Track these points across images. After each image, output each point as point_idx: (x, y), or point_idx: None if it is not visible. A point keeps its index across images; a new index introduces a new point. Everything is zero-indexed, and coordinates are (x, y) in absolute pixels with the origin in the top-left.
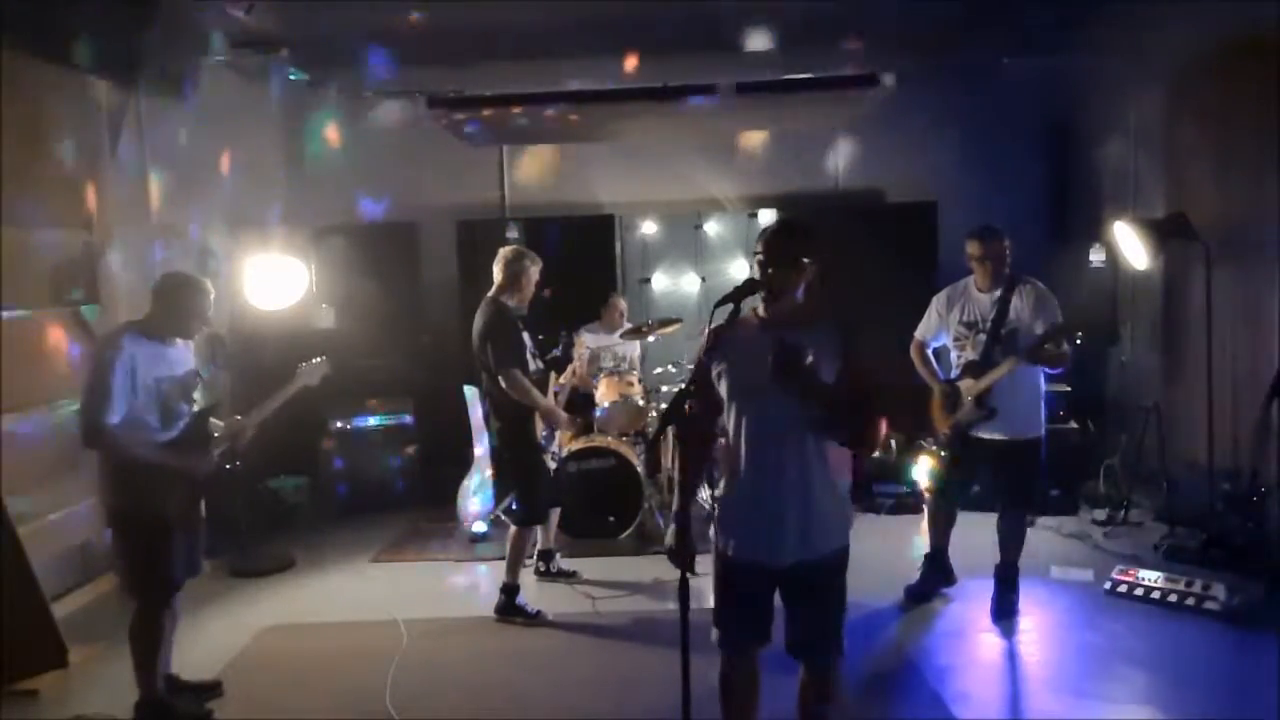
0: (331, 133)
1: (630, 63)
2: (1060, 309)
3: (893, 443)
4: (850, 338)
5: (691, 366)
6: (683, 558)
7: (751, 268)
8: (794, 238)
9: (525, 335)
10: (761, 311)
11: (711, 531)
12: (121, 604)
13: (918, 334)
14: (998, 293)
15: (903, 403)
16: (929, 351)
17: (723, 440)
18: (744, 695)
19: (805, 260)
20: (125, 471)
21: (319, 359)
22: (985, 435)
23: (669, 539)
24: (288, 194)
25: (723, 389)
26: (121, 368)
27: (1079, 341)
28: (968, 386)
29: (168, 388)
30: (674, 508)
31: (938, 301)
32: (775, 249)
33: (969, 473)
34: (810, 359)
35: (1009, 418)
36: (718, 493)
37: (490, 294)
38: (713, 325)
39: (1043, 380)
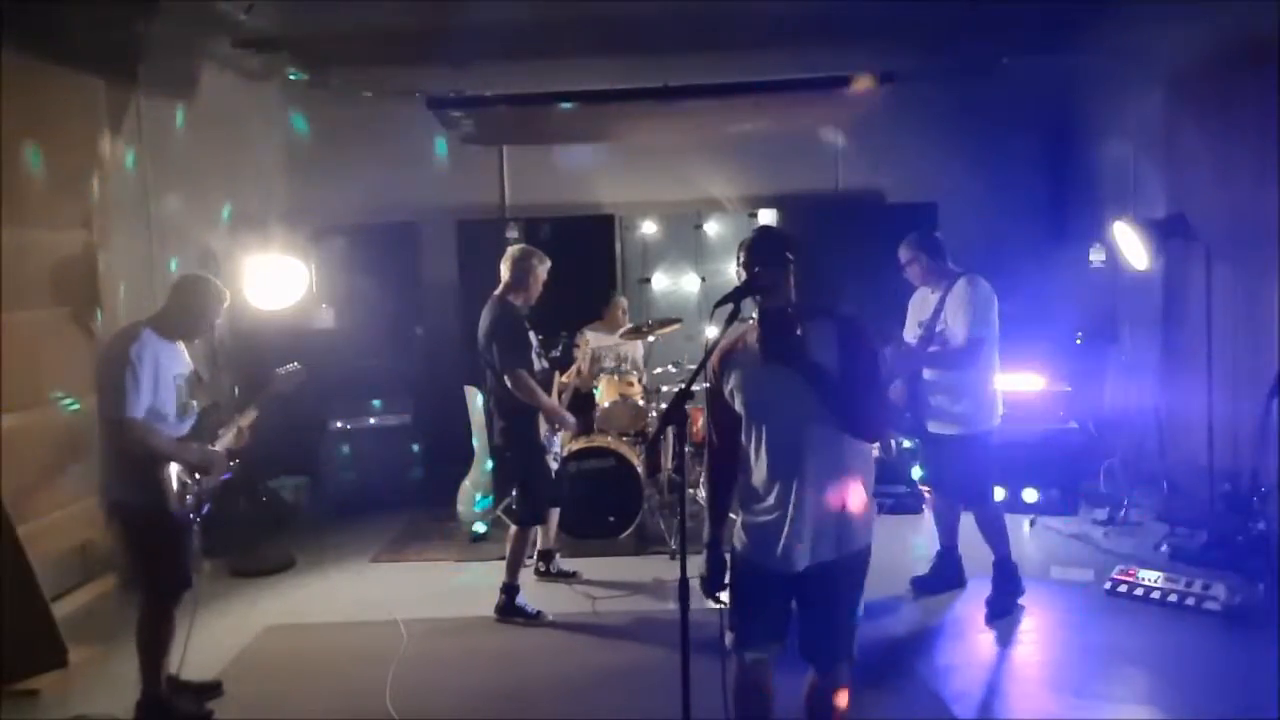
0: (331, 133)
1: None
2: (998, 302)
3: (893, 442)
4: (846, 330)
5: (693, 366)
6: (714, 585)
7: (739, 275)
8: (777, 239)
9: (531, 335)
10: (757, 317)
11: (732, 536)
12: (122, 604)
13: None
14: (940, 292)
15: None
16: None
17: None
18: (758, 701)
19: (791, 259)
20: (142, 467)
21: (294, 366)
22: (938, 431)
23: (701, 568)
24: (288, 194)
25: (737, 404)
26: (145, 362)
27: (1079, 341)
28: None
29: (181, 384)
30: (705, 535)
31: (911, 302)
32: (762, 251)
33: (928, 468)
34: (799, 332)
35: (956, 413)
36: (736, 499)
37: (497, 293)
38: (714, 346)
39: (989, 376)
